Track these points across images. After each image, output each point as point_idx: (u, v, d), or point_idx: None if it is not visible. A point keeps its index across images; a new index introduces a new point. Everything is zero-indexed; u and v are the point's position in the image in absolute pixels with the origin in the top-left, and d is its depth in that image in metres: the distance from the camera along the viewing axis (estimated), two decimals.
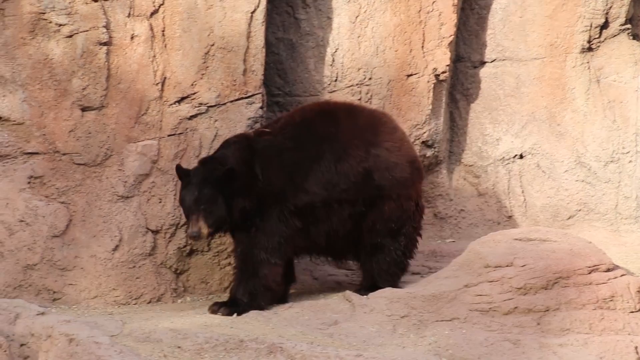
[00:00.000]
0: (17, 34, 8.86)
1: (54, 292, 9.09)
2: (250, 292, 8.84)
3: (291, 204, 8.89)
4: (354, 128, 9.16)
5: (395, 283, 9.21)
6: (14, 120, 8.91)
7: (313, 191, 8.95)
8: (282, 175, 8.92)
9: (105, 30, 9.06)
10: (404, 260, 9.34)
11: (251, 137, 9.07)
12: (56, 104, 8.99)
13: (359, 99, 10.42)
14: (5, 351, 6.93)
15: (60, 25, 8.93)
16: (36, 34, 8.92)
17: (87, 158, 9.12)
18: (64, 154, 9.10)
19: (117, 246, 9.30)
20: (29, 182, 9.04)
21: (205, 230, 8.72)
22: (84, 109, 9.12)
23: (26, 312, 7.56)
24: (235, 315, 8.66)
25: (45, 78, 8.96)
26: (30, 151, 8.99)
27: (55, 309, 8.79)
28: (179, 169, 8.87)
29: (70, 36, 8.97)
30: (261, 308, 8.78)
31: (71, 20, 8.95)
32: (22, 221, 9.01)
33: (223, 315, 8.67)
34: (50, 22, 8.91)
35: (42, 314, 7.58)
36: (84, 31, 9.00)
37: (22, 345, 7.26)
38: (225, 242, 9.61)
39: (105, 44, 9.08)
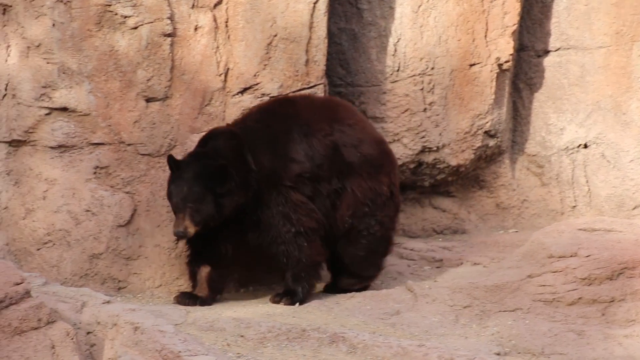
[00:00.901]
0: (84, 26, 8.93)
1: (119, 281, 9.16)
2: (301, 278, 8.78)
3: (286, 179, 8.70)
4: (313, 108, 9.07)
5: (374, 272, 9.18)
6: (81, 112, 8.99)
7: (300, 160, 8.75)
8: (268, 153, 8.75)
9: (169, 21, 9.10)
10: (380, 250, 9.13)
11: (229, 129, 8.90)
12: (121, 95, 9.05)
13: (421, 89, 10.38)
14: (72, 339, 7.00)
15: (126, 17, 8.99)
16: (102, 26, 8.98)
17: (152, 148, 9.17)
18: (128, 145, 9.16)
19: None
20: (94, 173, 9.12)
21: (191, 230, 8.51)
22: (149, 100, 9.17)
23: (92, 300, 7.65)
24: (297, 305, 8.65)
25: (110, 69, 9.03)
26: (96, 142, 9.06)
27: (120, 297, 8.87)
28: (171, 159, 8.63)
29: (135, 28, 9.03)
30: (315, 286, 8.87)
31: (136, 12, 9.00)
32: (88, 211, 9.09)
33: (285, 305, 8.64)
34: (116, 14, 8.98)
35: (108, 302, 7.66)
36: (149, 23, 9.05)
37: (88, 333, 7.34)
38: None
39: (169, 35, 9.12)
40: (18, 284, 7.08)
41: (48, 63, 8.91)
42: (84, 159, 9.07)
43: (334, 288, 9.13)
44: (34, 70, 8.90)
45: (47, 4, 8.86)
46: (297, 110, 8.95)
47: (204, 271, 8.80)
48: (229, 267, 8.98)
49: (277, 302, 8.72)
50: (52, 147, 9.00)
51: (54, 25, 8.89)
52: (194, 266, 8.86)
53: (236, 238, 8.81)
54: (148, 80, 9.12)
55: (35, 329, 6.94)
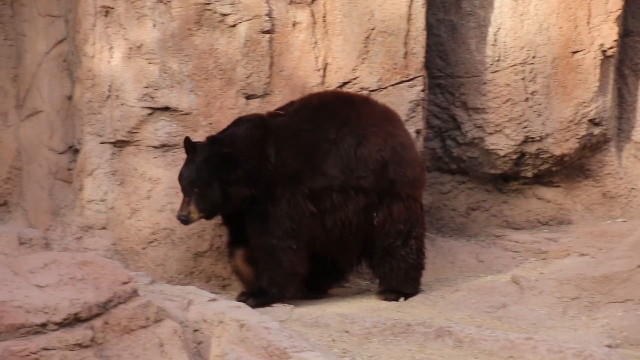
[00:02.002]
0: (184, 26, 9.00)
1: (224, 279, 9.22)
2: (276, 282, 8.53)
3: (306, 187, 8.52)
4: (373, 117, 8.84)
5: (417, 287, 8.94)
6: (182, 111, 9.06)
7: (332, 174, 8.57)
8: (299, 156, 8.55)
9: (267, 18, 9.12)
10: (419, 262, 8.95)
11: (265, 117, 8.74)
12: (221, 93, 9.10)
13: (522, 78, 10.26)
14: (180, 337, 7.04)
15: (225, 15, 9.03)
16: (202, 25, 9.04)
17: None
18: None
19: None
20: None
21: (195, 215, 8.41)
22: (248, 97, 9.20)
23: (198, 298, 7.69)
24: (264, 306, 8.28)
25: (210, 68, 9.08)
26: (196, 140, 9.13)
27: (225, 295, 8.92)
28: (187, 141, 8.51)
29: (234, 26, 9.07)
30: (287, 297, 8.55)
31: (235, 10, 9.04)
32: None
33: (251, 306, 7.80)
34: (215, 13, 9.02)
35: (214, 300, 7.69)
36: (247, 20, 9.08)
37: (195, 330, 7.37)
38: None
39: (268, 32, 9.14)
40: (125, 283, 7.15)
41: (150, 64, 9.01)
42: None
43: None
44: (136, 71, 9.00)
45: (148, 5, 8.95)
46: (357, 117, 8.76)
47: (239, 254, 8.71)
48: None
49: (244, 301, 8.09)
50: (155, 147, 9.09)
51: (154, 25, 8.98)
52: (232, 249, 8.78)
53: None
54: (247, 77, 9.15)
55: (144, 327, 7.00)
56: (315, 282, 8.97)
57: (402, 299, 8.66)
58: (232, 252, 8.74)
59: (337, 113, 8.74)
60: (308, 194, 8.52)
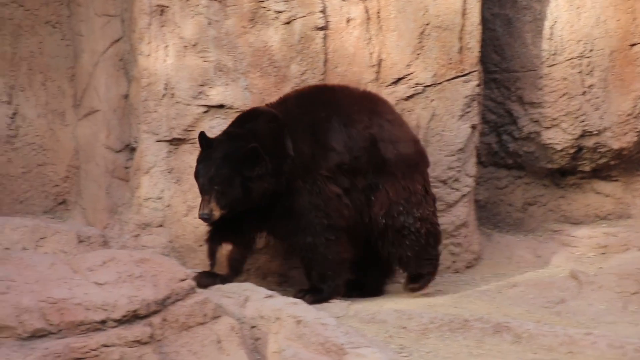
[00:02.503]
0: (238, 23, 9.03)
1: (280, 275, 9.24)
2: (328, 277, 8.42)
3: (324, 169, 8.35)
4: (352, 97, 8.69)
5: (433, 263, 8.77)
6: (237, 108, 9.06)
7: (339, 150, 8.40)
8: (309, 139, 8.41)
9: (321, 15, 9.13)
10: (430, 241, 8.70)
11: (270, 110, 8.55)
12: (276, 90, 9.10)
13: (579, 72, 10.17)
14: (237, 333, 7.07)
15: (279, 12, 9.05)
16: (256, 22, 9.06)
17: None
18: None
19: None
20: None
21: (217, 213, 8.18)
22: None
23: (255, 295, 7.71)
24: (321, 302, 8.20)
25: (265, 65, 9.10)
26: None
27: (281, 291, 8.93)
28: (202, 136, 8.31)
29: (288, 22, 9.08)
30: (340, 288, 8.46)
31: (289, 7, 9.05)
32: None
33: (309, 303, 7.77)
34: (269, 10, 9.04)
35: (270, 296, 7.71)
36: (301, 17, 9.09)
37: (252, 327, 7.40)
38: (446, 221, 9.55)
39: (322, 28, 9.15)
40: (183, 280, 7.19)
41: (204, 61, 9.04)
42: None
43: (360, 288, 8.84)
44: (191, 69, 9.04)
45: (202, 3, 8.99)
46: (337, 99, 8.62)
47: (225, 249, 8.51)
48: (250, 250, 8.70)
49: (301, 298, 8.08)
50: None
51: (209, 23, 9.02)
52: (214, 244, 8.55)
53: (264, 224, 8.54)
54: (302, 74, 9.16)
55: (202, 324, 7.04)
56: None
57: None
58: (215, 247, 8.55)
59: (317, 98, 8.62)
60: (327, 174, 8.38)
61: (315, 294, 8.38)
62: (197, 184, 8.35)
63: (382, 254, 8.69)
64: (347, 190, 8.43)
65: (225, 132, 8.44)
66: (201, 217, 8.24)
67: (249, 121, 8.46)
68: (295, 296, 8.20)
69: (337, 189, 8.39)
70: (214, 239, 8.56)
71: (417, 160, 8.73)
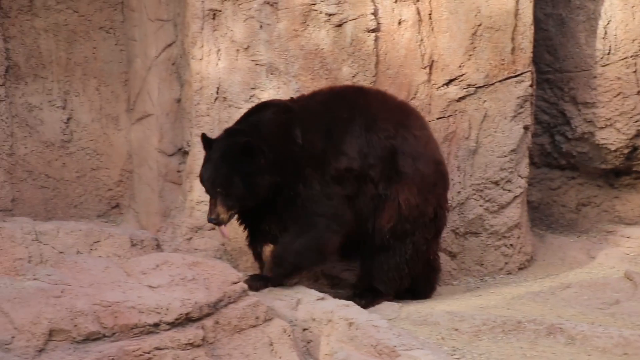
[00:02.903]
0: (290, 26, 9.05)
1: (332, 278, 9.23)
2: (298, 252, 8.10)
3: (332, 168, 8.15)
4: (384, 104, 8.49)
5: (391, 289, 8.45)
6: None
7: (351, 155, 8.18)
8: (322, 135, 8.20)
9: (373, 17, 9.12)
10: (405, 268, 8.41)
11: (287, 102, 8.43)
12: None
13: (634, 72, 10.10)
14: (289, 336, 7.10)
15: (330, 14, 9.05)
16: (307, 25, 9.08)
17: None
18: None
19: None
20: None
21: (224, 216, 7.98)
22: None
23: (307, 297, 7.74)
24: (270, 286, 8.01)
25: (316, 68, 9.11)
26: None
27: (333, 294, 8.94)
28: (203, 138, 8.16)
29: (340, 25, 9.08)
30: (302, 268, 8.23)
31: (340, 9, 9.06)
32: None
33: (253, 289, 7.63)
34: (321, 12, 9.05)
35: (322, 299, 7.74)
36: (353, 19, 9.09)
37: (304, 329, 7.42)
38: (498, 222, 9.51)
39: (373, 30, 9.14)
40: (235, 283, 7.24)
41: (256, 65, 9.07)
42: None
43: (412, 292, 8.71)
44: (243, 72, 9.07)
45: (254, 7, 9.02)
46: (368, 102, 8.43)
47: (267, 250, 8.28)
48: None
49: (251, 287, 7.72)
50: None
51: (261, 27, 9.05)
52: (255, 246, 8.41)
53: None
54: (353, 76, 9.16)
55: (254, 326, 7.08)
56: None
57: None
58: (258, 249, 8.38)
59: (347, 97, 8.46)
60: (334, 174, 8.17)
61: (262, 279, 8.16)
62: (203, 187, 8.23)
63: (362, 262, 8.52)
64: (352, 196, 8.25)
65: (225, 130, 8.30)
66: (209, 221, 8.14)
67: (254, 114, 8.31)
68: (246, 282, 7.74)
69: (341, 190, 8.19)
70: (254, 241, 8.47)
71: (435, 181, 8.51)
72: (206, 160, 8.14)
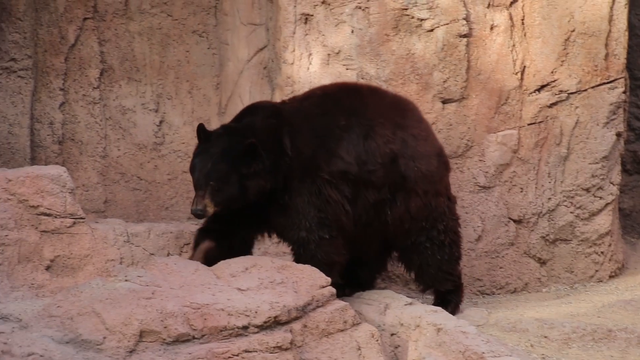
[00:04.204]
0: (381, 31, 9.07)
1: None
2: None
3: (325, 172, 7.90)
4: (381, 107, 8.23)
5: (455, 281, 8.37)
6: None
7: (347, 160, 7.94)
8: (313, 140, 7.96)
9: (465, 22, 9.10)
10: (452, 257, 8.36)
11: (278, 105, 8.26)
12: (418, 97, 9.12)
13: None
14: (377, 341, 7.12)
15: (422, 20, 9.06)
16: (399, 30, 9.09)
17: (449, 150, 9.14)
18: None
19: (479, 236, 9.33)
20: None
21: (210, 209, 7.78)
22: (445, 102, 9.21)
23: (395, 302, 7.75)
24: None
25: (407, 73, 9.12)
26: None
27: (421, 299, 8.93)
28: (200, 128, 7.93)
29: (432, 30, 9.08)
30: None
31: (432, 15, 9.05)
32: None
33: None
34: (413, 18, 9.06)
35: (410, 304, 7.73)
36: (445, 24, 9.08)
37: (392, 334, 7.44)
38: (589, 229, 9.42)
39: (465, 36, 9.13)
40: (324, 287, 7.27)
41: (347, 69, 9.12)
42: None
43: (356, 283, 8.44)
44: (334, 76, 9.11)
45: (347, 12, 9.06)
46: (364, 106, 8.17)
47: (204, 247, 8.03)
48: (248, 252, 8.19)
49: None
50: None
51: (352, 31, 9.09)
52: (200, 239, 8.13)
53: (263, 223, 8.13)
54: (444, 81, 9.15)
55: (342, 330, 7.10)
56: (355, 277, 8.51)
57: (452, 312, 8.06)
58: (198, 243, 8.16)
59: (343, 102, 8.21)
60: (328, 179, 7.93)
61: None
62: (192, 178, 8.00)
63: (405, 268, 8.45)
64: (351, 199, 8.05)
65: (224, 126, 8.13)
66: (193, 212, 7.88)
67: (247, 115, 8.12)
68: None
69: (337, 195, 7.97)
70: (202, 234, 8.18)
71: (440, 175, 8.37)
72: (201, 151, 7.94)
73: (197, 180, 7.86)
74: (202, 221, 8.16)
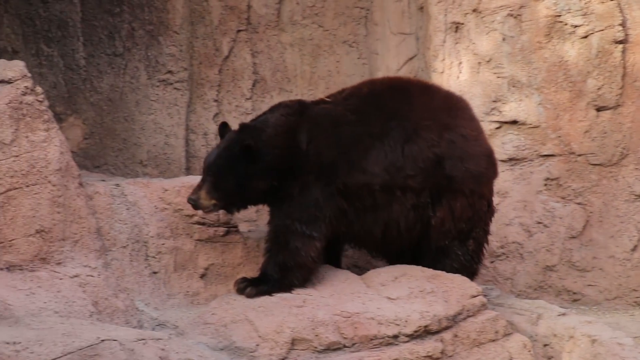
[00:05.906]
0: (534, 39, 8.99)
1: (574, 293, 9.10)
2: (281, 267, 7.62)
3: (341, 182, 7.71)
4: (428, 108, 7.95)
5: None
6: (530, 124, 9.04)
7: (372, 172, 7.74)
8: (336, 148, 7.76)
9: (621, 28, 8.94)
10: (473, 265, 8.04)
11: (306, 103, 8.10)
12: (571, 105, 9.00)
13: None
14: (529, 351, 7.06)
15: (576, 26, 8.94)
16: (551, 37, 8.99)
17: (603, 158, 9.03)
18: (579, 155, 9.08)
19: (635, 246, 9.14)
20: (545, 184, 9.13)
21: (204, 202, 7.73)
22: (599, 109, 9.05)
23: (547, 312, 7.66)
24: (265, 295, 7.48)
25: (560, 80, 9.01)
26: (545, 153, 9.07)
27: (575, 309, 8.80)
28: (222, 126, 8.03)
29: (585, 37, 8.95)
30: (292, 287, 7.54)
31: (586, 21, 8.93)
32: (539, 223, 9.12)
33: (249, 297, 7.42)
34: (566, 24, 8.95)
35: (563, 314, 7.63)
36: (599, 30, 8.94)
37: (545, 345, 7.35)
38: None
39: (620, 42, 8.96)
40: (474, 296, 7.25)
41: (498, 77, 9.06)
42: (534, 171, 9.11)
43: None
44: (485, 85, 9.08)
45: (498, 19, 9.02)
46: (410, 108, 7.96)
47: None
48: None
49: (241, 292, 7.51)
50: (502, 160, 9.07)
51: (504, 39, 9.04)
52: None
53: None
54: (598, 89, 9.00)
55: (493, 340, 7.07)
56: None
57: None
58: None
59: (386, 104, 7.99)
60: (342, 189, 7.76)
61: (258, 285, 7.63)
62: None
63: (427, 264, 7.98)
64: (378, 206, 7.83)
65: (240, 124, 8.08)
66: (188, 200, 7.88)
67: (266, 113, 8.09)
68: (236, 285, 7.67)
69: (345, 206, 7.79)
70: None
71: (488, 177, 8.18)
72: (216, 146, 8.07)
73: (202, 171, 7.96)
74: None
